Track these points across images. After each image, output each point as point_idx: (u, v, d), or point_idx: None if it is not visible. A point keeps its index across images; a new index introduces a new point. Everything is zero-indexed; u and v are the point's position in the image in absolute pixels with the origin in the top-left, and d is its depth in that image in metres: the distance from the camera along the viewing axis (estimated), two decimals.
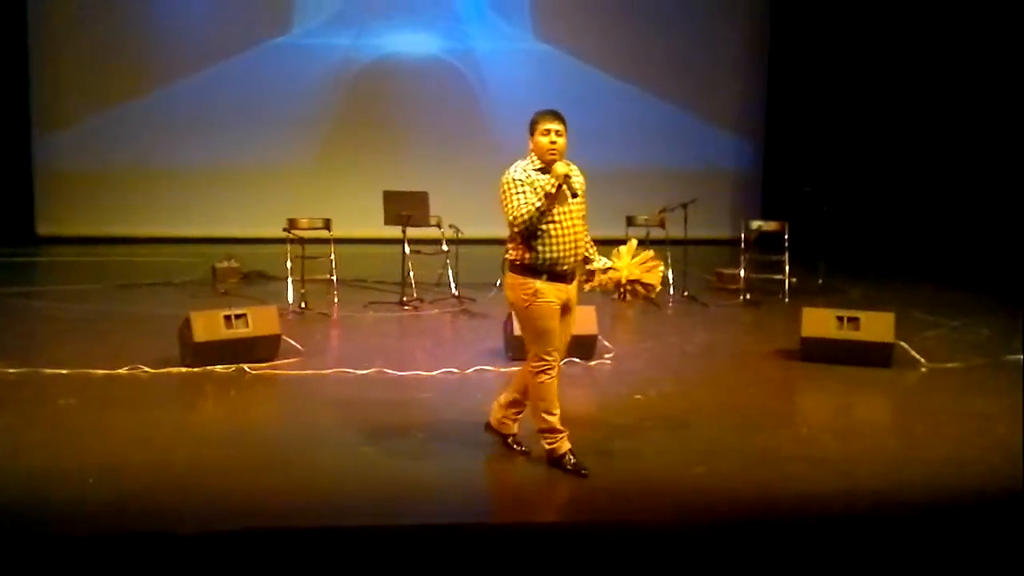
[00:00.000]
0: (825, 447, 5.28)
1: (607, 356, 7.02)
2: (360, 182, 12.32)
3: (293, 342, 6.84)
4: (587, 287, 4.95)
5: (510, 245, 4.76)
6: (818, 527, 4.23)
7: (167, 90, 12.99)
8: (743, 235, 9.76)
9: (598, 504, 4.43)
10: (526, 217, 4.57)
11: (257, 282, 9.73)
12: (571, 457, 4.76)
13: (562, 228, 4.65)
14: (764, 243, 10.01)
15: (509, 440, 5.03)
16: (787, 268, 9.45)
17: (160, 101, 12.99)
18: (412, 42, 13.47)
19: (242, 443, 5.10)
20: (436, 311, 8.61)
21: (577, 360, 6.80)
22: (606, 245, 10.68)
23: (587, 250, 4.88)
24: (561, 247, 4.65)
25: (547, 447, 4.82)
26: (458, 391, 6.18)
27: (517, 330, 6.82)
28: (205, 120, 13.07)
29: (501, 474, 4.86)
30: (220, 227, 12.79)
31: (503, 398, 5.06)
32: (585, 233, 4.81)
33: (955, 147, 11.20)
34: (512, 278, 4.76)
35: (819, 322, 7.06)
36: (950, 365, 6.92)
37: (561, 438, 4.79)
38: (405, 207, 8.70)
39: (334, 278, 8.89)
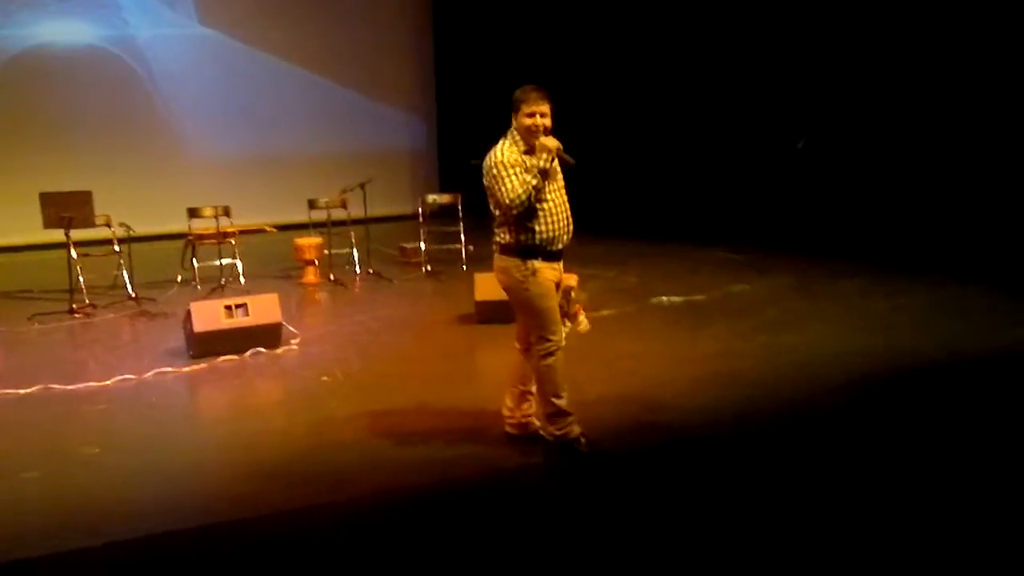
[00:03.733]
0: (497, 404, 5.67)
1: (293, 342, 7.07)
2: (15, 185, 11.30)
3: None
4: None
5: (500, 230, 4.56)
6: (508, 480, 4.54)
7: None
8: (421, 209, 10.13)
9: (280, 493, 4.46)
10: (524, 198, 4.37)
11: None
12: (583, 439, 4.69)
13: (555, 206, 4.52)
14: (442, 215, 10.44)
15: (542, 434, 4.86)
16: (463, 237, 9.94)
17: None
18: (65, 31, 12.48)
19: None
20: (111, 315, 8.19)
21: (262, 349, 6.80)
22: (288, 230, 10.69)
23: None
24: (556, 225, 4.51)
25: (556, 433, 4.71)
26: (135, 398, 5.97)
27: (198, 327, 6.73)
28: None
29: (185, 477, 4.76)
30: None
31: (509, 400, 4.88)
32: None
33: (605, 109, 12.23)
34: (506, 261, 4.57)
35: (490, 286, 7.47)
36: (605, 312, 7.67)
37: (572, 421, 4.71)
38: (66, 208, 8.18)
39: None
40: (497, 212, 4.54)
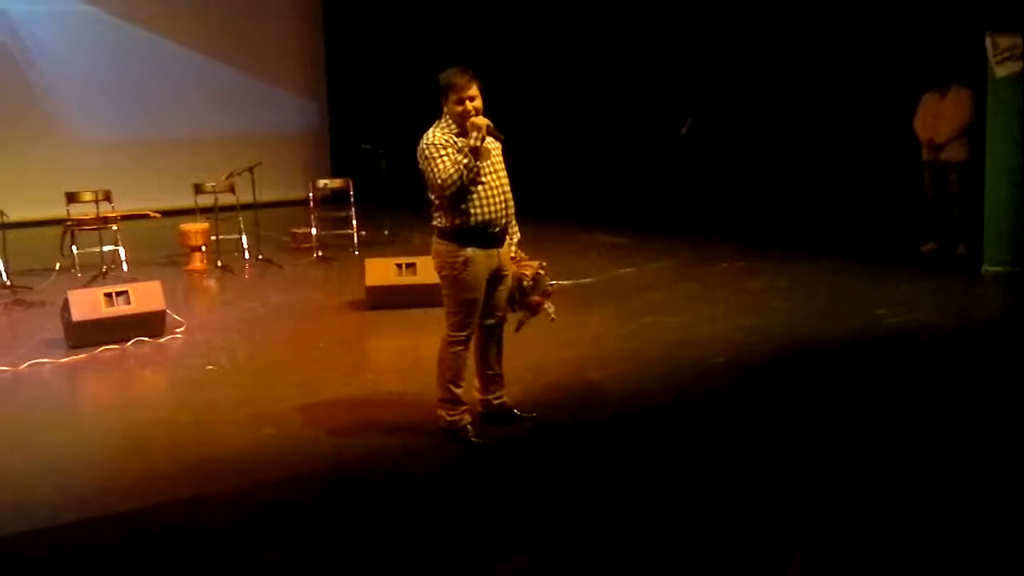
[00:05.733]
0: (390, 388, 5.73)
1: (178, 331, 6.93)
2: None
3: None
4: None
5: (437, 214, 4.52)
6: (393, 468, 4.57)
7: None
8: (311, 194, 10.02)
9: (164, 483, 4.42)
10: (456, 178, 4.34)
11: None
12: (472, 429, 4.69)
13: (490, 188, 4.49)
14: (334, 200, 10.36)
15: (515, 413, 4.93)
16: (355, 223, 9.88)
17: None
18: None
19: None
20: None
21: (145, 338, 6.66)
22: (173, 216, 10.43)
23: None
24: (492, 207, 4.48)
25: (448, 418, 4.70)
26: (11, 390, 5.78)
27: (76, 315, 6.55)
28: None
29: (64, 472, 4.62)
30: None
31: (478, 383, 4.87)
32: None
33: (489, 91, 12.27)
34: (441, 244, 4.54)
35: (381, 271, 7.55)
36: None
37: (463, 411, 4.71)
38: None
39: None
40: (432, 196, 4.56)
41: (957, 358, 5.98)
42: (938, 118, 8.55)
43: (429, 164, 4.43)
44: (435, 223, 4.61)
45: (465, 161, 4.38)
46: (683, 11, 10.74)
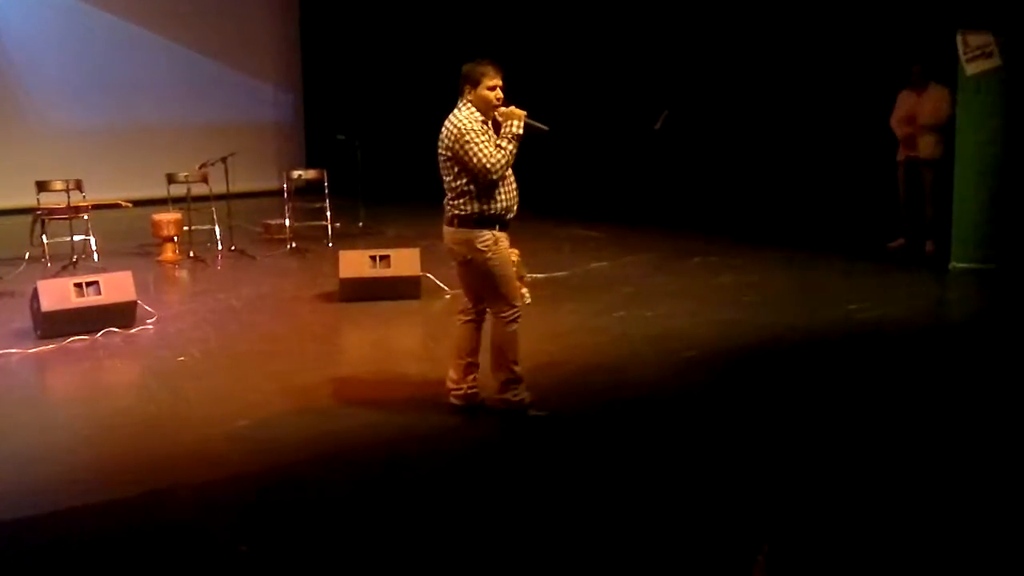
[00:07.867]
0: (363, 379, 5.72)
1: (149, 321, 6.90)
2: None
3: None
4: None
5: (460, 200, 4.58)
6: (370, 459, 4.57)
7: None
8: (285, 185, 9.97)
9: (134, 475, 4.39)
10: (503, 163, 4.49)
11: None
12: (533, 402, 4.82)
13: (509, 177, 4.65)
14: (308, 191, 10.32)
15: (485, 404, 4.96)
16: (329, 214, 9.85)
17: None
18: None
19: None
20: None
21: (116, 329, 6.61)
22: (145, 206, 10.35)
23: None
24: (514, 195, 4.68)
25: (512, 400, 4.79)
26: None
27: (45, 306, 6.49)
28: None
29: (31, 463, 4.59)
30: None
31: (454, 372, 4.90)
32: None
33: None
34: (466, 233, 4.60)
35: (355, 263, 7.53)
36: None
37: (524, 387, 4.81)
38: None
39: None
40: (458, 182, 4.58)
41: (925, 352, 6.05)
42: (914, 116, 8.61)
43: (472, 149, 4.48)
44: (457, 211, 4.63)
45: (511, 148, 4.52)
46: (658, 5, 10.78)
